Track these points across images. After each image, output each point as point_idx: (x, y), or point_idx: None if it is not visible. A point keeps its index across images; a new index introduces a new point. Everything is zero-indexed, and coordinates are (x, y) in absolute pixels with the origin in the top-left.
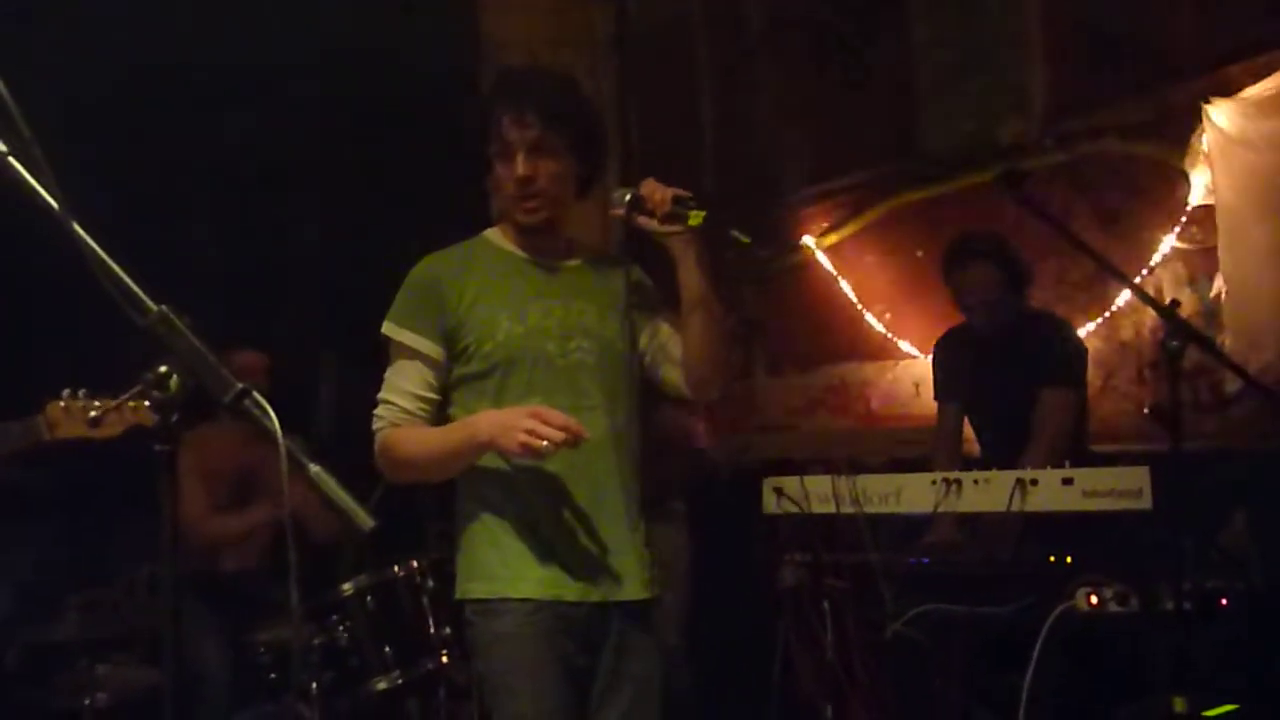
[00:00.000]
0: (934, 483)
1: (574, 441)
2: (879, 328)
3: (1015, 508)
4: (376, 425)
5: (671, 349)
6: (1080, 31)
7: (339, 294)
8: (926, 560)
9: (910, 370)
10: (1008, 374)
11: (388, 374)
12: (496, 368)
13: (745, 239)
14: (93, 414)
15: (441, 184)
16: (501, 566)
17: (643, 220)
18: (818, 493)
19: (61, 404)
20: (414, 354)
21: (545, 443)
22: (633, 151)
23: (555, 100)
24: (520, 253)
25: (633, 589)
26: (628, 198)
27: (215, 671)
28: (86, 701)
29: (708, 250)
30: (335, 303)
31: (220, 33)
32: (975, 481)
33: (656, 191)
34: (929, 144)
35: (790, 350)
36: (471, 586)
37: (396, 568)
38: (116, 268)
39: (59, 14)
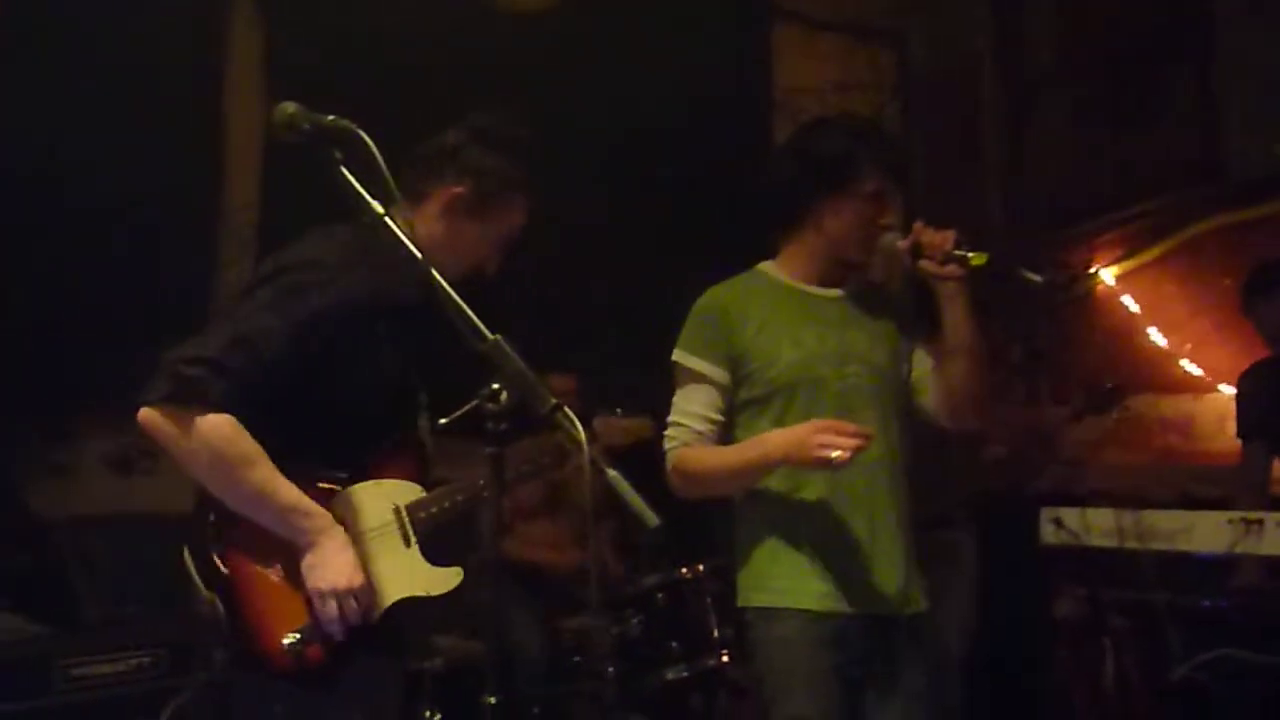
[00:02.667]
0: (1230, 521)
1: (865, 446)
2: (1180, 360)
3: None
4: (668, 445)
5: (929, 380)
6: None
7: (636, 325)
8: (1224, 604)
9: (1213, 404)
10: None
11: (676, 398)
12: (778, 392)
13: (1036, 278)
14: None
15: (732, 222)
16: (781, 580)
17: (924, 264)
18: (1100, 526)
19: (604, 420)
20: (702, 379)
21: (838, 453)
22: (916, 191)
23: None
24: (796, 284)
25: (905, 604)
26: (901, 243)
27: (532, 650)
28: (426, 665)
29: (987, 283)
30: (630, 334)
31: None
32: (1279, 523)
33: (937, 237)
34: (1235, 167)
35: (1079, 381)
36: (752, 595)
37: (684, 570)
38: (463, 304)
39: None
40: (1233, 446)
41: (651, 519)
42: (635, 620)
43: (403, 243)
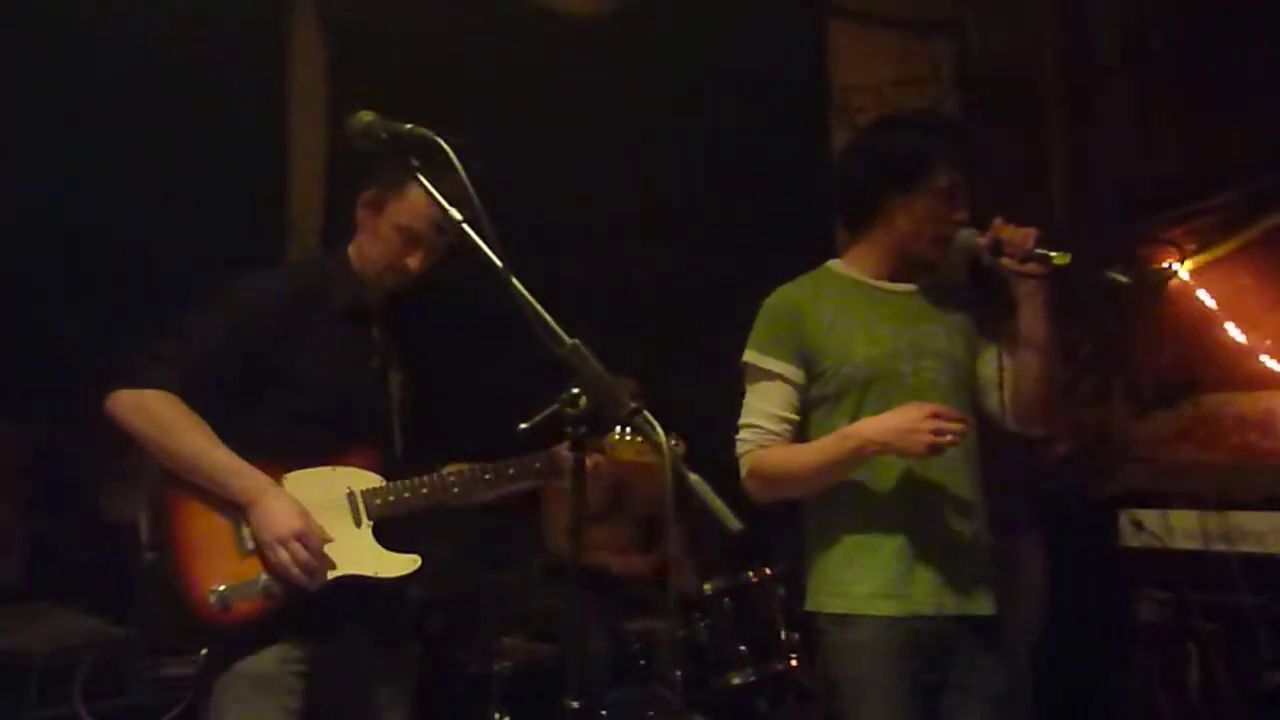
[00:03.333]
0: None
1: (965, 431)
2: (1258, 355)
3: None
4: (742, 449)
5: (996, 381)
6: None
7: (696, 327)
8: None
9: None
10: None
11: (748, 399)
12: (853, 389)
13: (1123, 278)
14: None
15: (792, 221)
16: (855, 584)
17: (1005, 262)
18: (1183, 528)
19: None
20: (775, 377)
21: (949, 437)
22: (975, 187)
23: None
24: (867, 279)
25: (982, 604)
26: (982, 240)
27: (598, 653)
28: (495, 668)
29: (1056, 281)
30: (692, 335)
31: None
32: None
33: (1019, 234)
34: None
35: (1153, 378)
36: (825, 600)
37: (751, 574)
38: (542, 311)
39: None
40: None
41: (734, 523)
42: (702, 624)
43: (481, 249)
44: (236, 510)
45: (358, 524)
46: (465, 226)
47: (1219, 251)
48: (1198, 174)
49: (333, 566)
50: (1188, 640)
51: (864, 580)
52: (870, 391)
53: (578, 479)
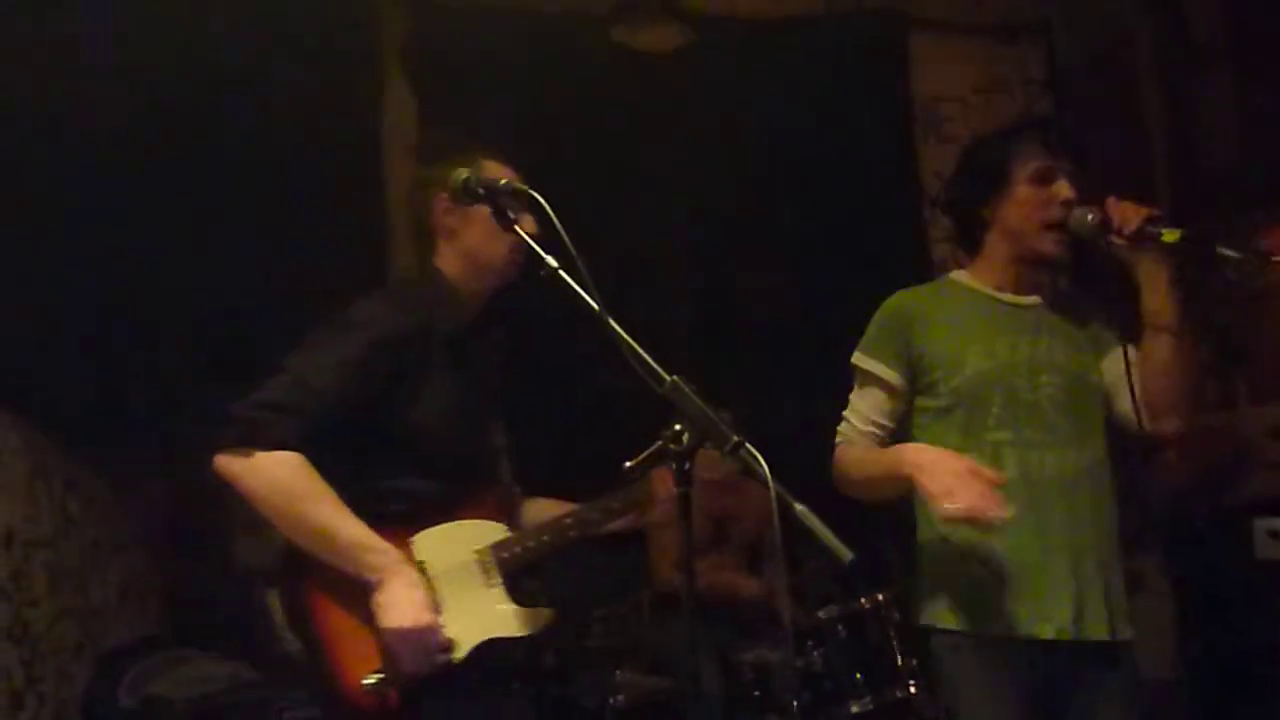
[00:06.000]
0: None
1: (997, 518)
2: None
3: None
4: (838, 440)
5: (1127, 380)
6: None
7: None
8: None
9: None
10: None
11: (852, 396)
12: (963, 401)
13: (1233, 254)
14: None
15: (885, 238)
16: (971, 602)
17: (1114, 240)
18: None
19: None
20: (876, 380)
21: (988, 514)
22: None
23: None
24: (988, 290)
25: (1102, 629)
26: (1090, 218)
27: (711, 685)
28: (610, 701)
29: (1179, 272)
30: (782, 361)
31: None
32: None
33: (1127, 210)
34: None
35: (1276, 377)
36: (939, 615)
37: (863, 600)
38: (640, 350)
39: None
40: None
41: (845, 553)
42: (816, 652)
43: (580, 296)
44: (368, 588)
45: (490, 584)
46: (562, 273)
47: None
48: None
49: (466, 641)
50: None
51: (976, 599)
52: (982, 405)
53: (685, 514)
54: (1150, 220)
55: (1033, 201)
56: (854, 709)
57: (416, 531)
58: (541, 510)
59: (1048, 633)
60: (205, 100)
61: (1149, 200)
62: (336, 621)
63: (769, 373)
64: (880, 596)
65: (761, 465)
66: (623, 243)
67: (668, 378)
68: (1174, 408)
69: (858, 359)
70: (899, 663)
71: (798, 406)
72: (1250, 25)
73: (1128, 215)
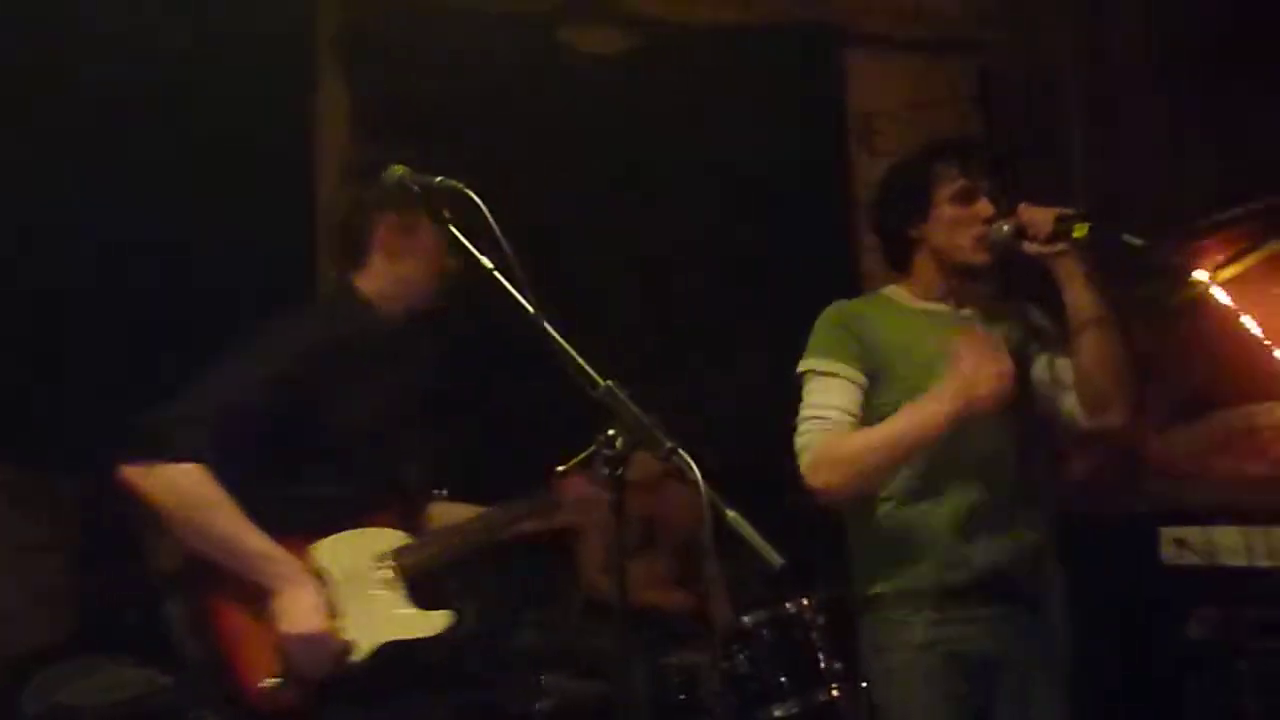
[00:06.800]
0: None
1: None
2: None
3: None
4: (802, 441)
5: (1066, 378)
6: None
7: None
8: None
9: None
10: None
11: (806, 399)
12: (904, 397)
13: (1138, 242)
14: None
15: (816, 248)
16: (906, 567)
17: (1028, 246)
18: (1227, 544)
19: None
20: (835, 375)
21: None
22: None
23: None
24: (917, 304)
25: (1017, 573)
26: (1005, 228)
27: (638, 689)
28: (536, 706)
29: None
30: (712, 368)
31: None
32: None
33: (1040, 214)
34: None
35: (1186, 392)
36: (873, 591)
37: (789, 604)
38: (575, 354)
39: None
40: None
41: (775, 559)
42: (742, 656)
43: (514, 296)
44: (269, 595)
45: (391, 588)
46: (497, 274)
47: (1250, 261)
48: (1224, 186)
49: (365, 644)
50: (1239, 659)
51: (907, 578)
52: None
53: (618, 518)
54: (1060, 219)
55: (956, 221)
56: (777, 712)
57: (320, 538)
58: (454, 514)
59: (979, 604)
60: (127, 86)
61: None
62: (237, 626)
63: (703, 378)
64: (806, 600)
65: (694, 470)
66: (557, 244)
67: (602, 382)
68: (1111, 398)
69: (812, 364)
70: (823, 666)
71: (731, 410)
72: (1175, 48)
73: (1039, 219)
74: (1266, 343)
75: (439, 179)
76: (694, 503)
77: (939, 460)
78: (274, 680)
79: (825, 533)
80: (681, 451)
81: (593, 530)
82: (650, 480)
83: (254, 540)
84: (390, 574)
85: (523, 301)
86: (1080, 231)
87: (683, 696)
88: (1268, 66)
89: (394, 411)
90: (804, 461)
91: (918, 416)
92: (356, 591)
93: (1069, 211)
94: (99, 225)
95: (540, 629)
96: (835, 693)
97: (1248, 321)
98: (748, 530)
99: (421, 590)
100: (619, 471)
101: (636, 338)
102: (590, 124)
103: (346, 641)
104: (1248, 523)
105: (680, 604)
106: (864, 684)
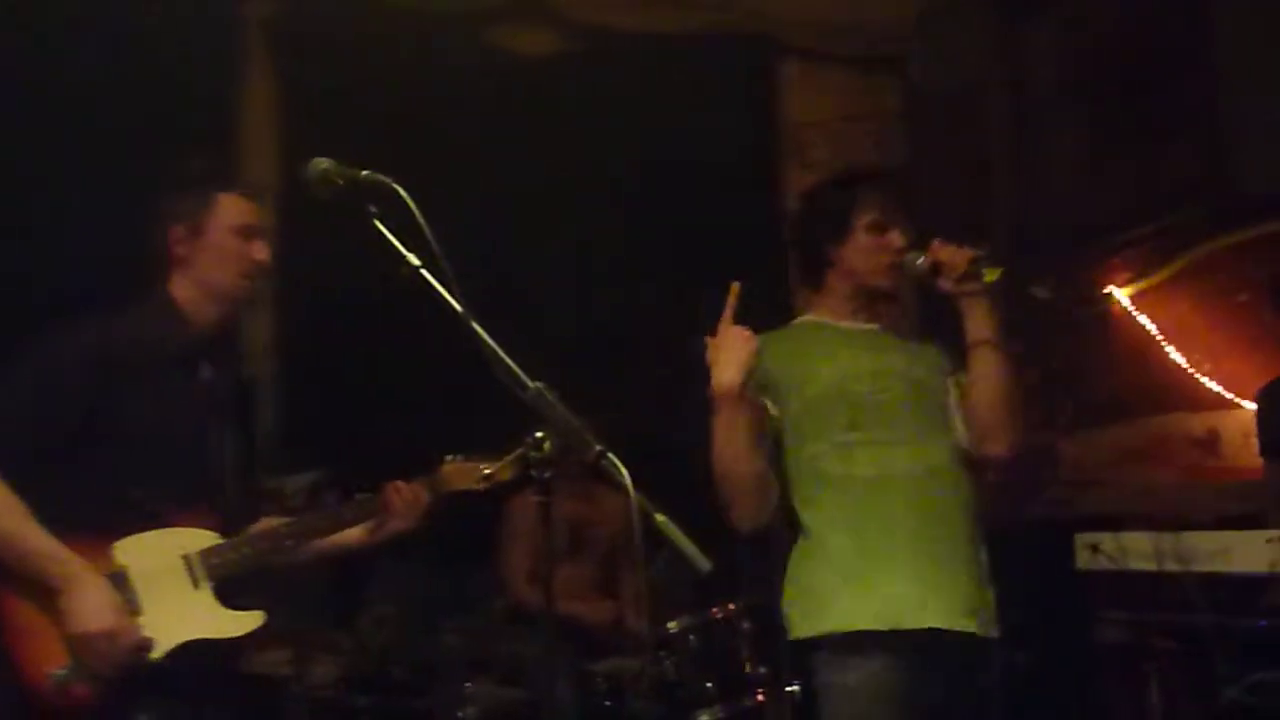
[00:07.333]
0: (1269, 541)
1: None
2: (1200, 377)
3: None
4: (715, 475)
5: (961, 408)
6: None
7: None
8: (1263, 624)
9: (1236, 420)
10: None
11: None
12: (815, 409)
13: (1046, 293)
14: (485, 471)
15: (748, 257)
16: (836, 600)
17: (941, 283)
18: (1137, 549)
19: (452, 463)
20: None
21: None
22: (920, 218)
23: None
24: (830, 322)
25: (964, 622)
26: (920, 262)
27: (564, 696)
28: (460, 714)
29: (1004, 305)
30: (648, 373)
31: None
32: None
33: (955, 255)
34: (1246, 183)
35: (1099, 401)
36: (811, 623)
37: (716, 610)
38: (504, 355)
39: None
40: (1260, 461)
41: (703, 563)
42: (669, 662)
43: (442, 296)
44: (56, 594)
45: (196, 586)
46: (424, 272)
47: (1159, 277)
48: (1137, 203)
49: (166, 642)
50: (1147, 661)
51: (839, 595)
52: (831, 411)
53: (544, 523)
54: (973, 262)
55: (870, 248)
56: (704, 718)
57: (121, 537)
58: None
59: (914, 622)
60: (51, 71)
61: (981, 234)
62: (24, 620)
63: (631, 385)
64: (732, 605)
65: (624, 475)
66: (486, 245)
67: (531, 384)
68: (1001, 431)
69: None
70: (748, 670)
71: (657, 419)
72: (1093, 69)
73: (954, 260)
74: (1175, 354)
75: (365, 173)
76: (621, 507)
77: (875, 485)
78: (61, 670)
79: (748, 538)
80: (610, 455)
81: (518, 536)
82: (578, 486)
83: (36, 540)
84: (199, 574)
85: (449, 300)
86: (991, 276)
87: (609, 703)
88: (1182, 85)
89: (198, 414)
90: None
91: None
92: (158, 590)
93: (982, 254)
94: (14, 213)
95: (464, 636)
96: (761, 697)
97: (1158, 333)
98: (676, 534)
99: (233, 592)
100: (547, 475)
101: (566, 340)
102: (521, 125)
103: (143, 638)
104: (1157, 528)
105: (603, 617)
106: (791, 689)
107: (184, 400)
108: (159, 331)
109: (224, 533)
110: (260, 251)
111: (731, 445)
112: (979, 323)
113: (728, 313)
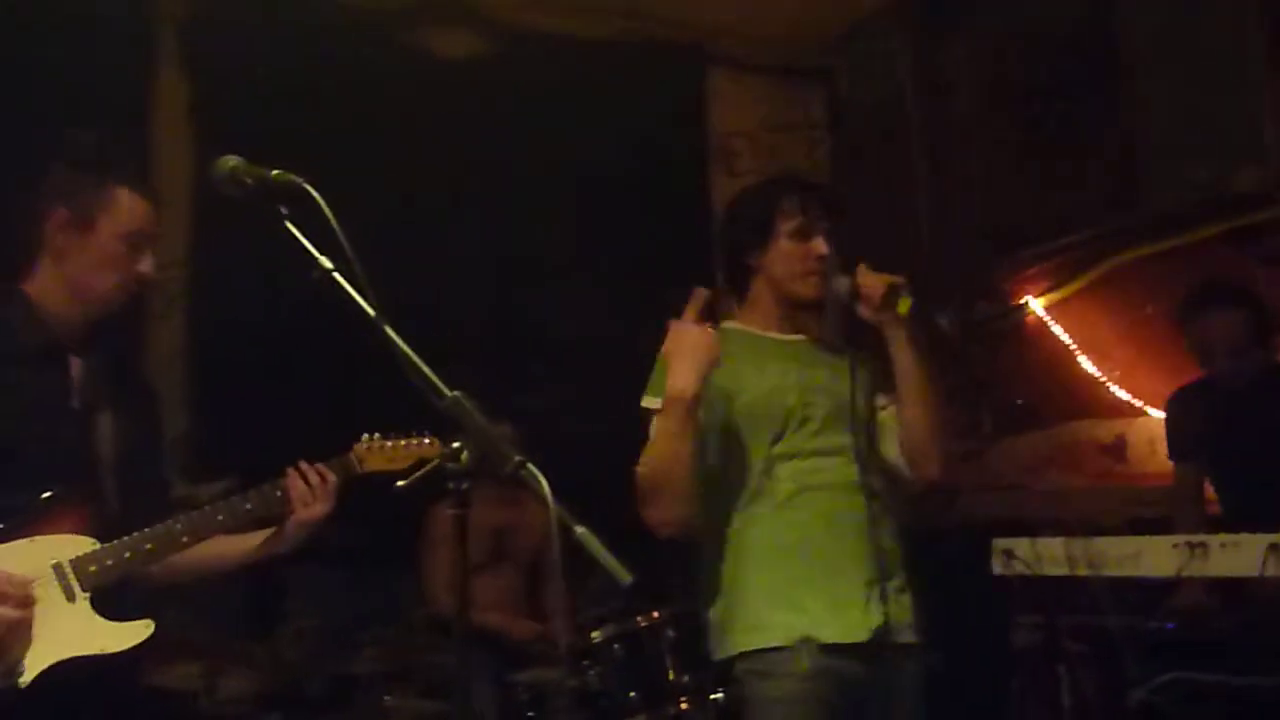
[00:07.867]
0: (1176, 546)
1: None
2: (1110, 385)
3: (1271, 573)
4: (640, 473)
5: (890, 429)
6: None
7: (578, 370)
8: (1171, 625)
9: (1144, 428)
10: (1254, 431)
11: (650, 435)
12: (746, 422)
13: (948, 327)
14: (390, 449)
15: (674, 263)
16: (759, 614)
17: (861, 309)
18: (1050, 555)
19: (366, 443)
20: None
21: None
22: (845, 227)
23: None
24: (758, 332)
25: (880, 632)
26: (844, 287)
27: (486, 706)
28: None
29: (921, 327)
30: (572, 380)
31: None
32: (1222, 545)
33: (874, 282)
34: (1155, 198)
35: (1015, 409)
36: (735, 640)
37: (640, 619)
38: (420, 363)
39: None
40: (1166, 468)
41: (625, 575)
42: (592, 671)
43: (354, 299)
44: None
45: (71, 598)
46: (336, 275)
47: (1070, 289)
48: (1051, 216)
49: (38, 660)
50: (1058, 663)
51: (764, 609)
52: (760, 424)
53: (460, 535)
54: (890, 291)
55: (793, 255)
56: None
57: None
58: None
59: (838, 636)
60: None
61: (907, 254)
62: None
63: (554, 390)
64: (656, 614)
65: (543, 485)
66: (403, 249)
67: (448, 392)
68: (931, 452)
69: (650, 402)
70: (672, 679)
71: (583, 426)
72: (1002, 90)
73: (874, 287)
74: (1087, 363)
75: (275, 172)
76: (544, 516)
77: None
78: None
79: (673, 546)
80: (530, 466)
81: (438, 544)
82: (500, 494)
83: None
84: (72, 584)
85: (363, 304)
86: (904, 307)
87: (531, 714)
88: (1094, 100)
89: (67, 414)
90: (639, 491)
91: (666, 408)
92: None
93: (899, 283)
94: None
95: (383, 647)
96: (684, 705)
97: (1071, 343)
98: (596, 546)
99: (115, 602)
100: (464, 485)
101: (485, 345)
102: (441, 127)
103: (8, 663)
104: (1069, 533)
105: (524, 632)
106: (715, 696)
107: (46, 400)
108: (8, 330)
109: (105, 538)
110: (146, 265)
111: (672, 447)
112: (899, 350)
113: (689, 314)
